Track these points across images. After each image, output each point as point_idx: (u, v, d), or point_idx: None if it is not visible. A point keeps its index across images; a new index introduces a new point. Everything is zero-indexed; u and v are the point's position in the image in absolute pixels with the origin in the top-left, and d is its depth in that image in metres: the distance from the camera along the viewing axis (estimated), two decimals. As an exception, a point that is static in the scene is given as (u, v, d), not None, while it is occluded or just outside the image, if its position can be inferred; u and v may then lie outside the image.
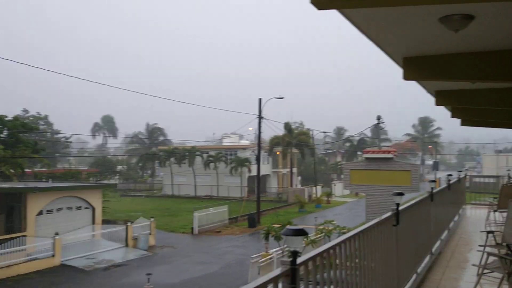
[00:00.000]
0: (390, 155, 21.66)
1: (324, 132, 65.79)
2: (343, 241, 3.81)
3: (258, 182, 36.78)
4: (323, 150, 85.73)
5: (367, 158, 22.15)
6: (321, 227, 22.06)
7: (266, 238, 18.36)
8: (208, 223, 32.00)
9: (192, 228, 31.17)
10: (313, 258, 3.23)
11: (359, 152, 67.65)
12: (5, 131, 36.70)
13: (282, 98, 36.47)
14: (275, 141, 53.44)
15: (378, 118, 36.06)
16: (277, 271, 2.82)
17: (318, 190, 54.22)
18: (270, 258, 17.77)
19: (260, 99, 34.64)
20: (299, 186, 58.99)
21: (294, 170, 60.58)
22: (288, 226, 2.85)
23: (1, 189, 24.85)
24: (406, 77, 6.02)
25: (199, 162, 54.16)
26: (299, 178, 65.10)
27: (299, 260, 2.92)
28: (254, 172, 44.99)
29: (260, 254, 18.83)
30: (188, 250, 26.31)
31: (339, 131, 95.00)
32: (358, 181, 21.85)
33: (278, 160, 59.28)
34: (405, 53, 5.73)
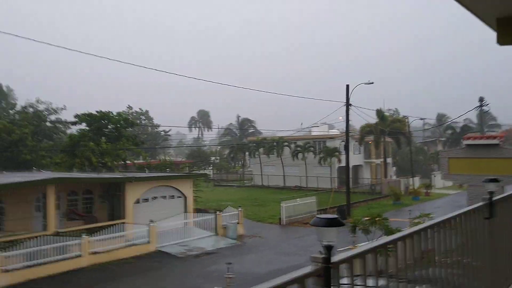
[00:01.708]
0: (496, 141, 19.33)
1: (422, 119, 61.72)
2: (406, 236, 3.10)
3: (348, 173, 35.47)
4: (421, 139, 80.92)
5: (468, 145, 20.02)
6: (416, 220, 20.61)
7: (353, 231, 17.47)
8: (296, 214, 31.60)
9: (279, 219, 31.03)
10: (360, 256, 2.60)
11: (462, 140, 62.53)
12: (109, 126, 39.46)
13: (372, 83, 34.58)
14: (367, 130, 51.27)
15: (481, 100, 32.58)
16: (305, 269, 2.28)
17: (415, 182, 51.18)
18: (358, 252, 16.86)
19: (347, 86, 33.20)
20: (394, 177, 56.19)
21: (389, 160, 57.82)
22: (319, 215, 2.28)
23: (104, 179, 26.59)
24: (501, 41, 4.98)
25: (288, 152, 53.93)
26: (394, 168, 62.03)
27: (336, 258, 2.34)
28: (344, 163, 43.69)
29: (347, 247, 18.01)
30: (275, 241, 26.18)
31: (440, 118, 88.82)
32: (458, 170, 19.77)
33: (370, 149, 56.93)
34: (500, 11, 4.72)
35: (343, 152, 42.13)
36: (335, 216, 2.27)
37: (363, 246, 2.85)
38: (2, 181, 21.67)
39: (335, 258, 2.34)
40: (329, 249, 2.24)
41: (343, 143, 44.58)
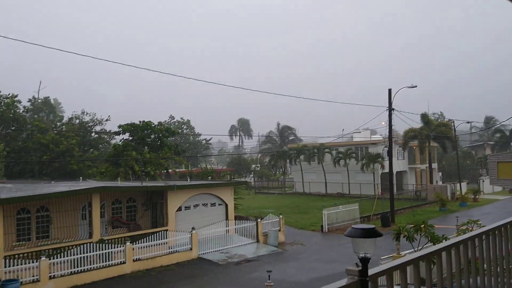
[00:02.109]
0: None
1: (469, 122, 59.31)
2: (451, 246, 2.87)
3: (391, 179, 34.57)
4: (469, 143, 77.98)
5: (519, 149, 19.07)
6: (464, 227, 19.74)
7: (397, 238, 16.91)
8: (338, 221, 31.05)
9: (321, 226, 30.59)
10: (400, 267, 2.40)
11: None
12: (152, 136, 40.28)
13: (415, 87, 33.58)
14: (411, 135, 49.85)
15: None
16: (340, 282, 2.11)
17: (462, 187, 49.28)
18: (402, 260, 16.27)
19: (389, 90, 32.44)
20: (440, 183, 54.33)
21: (434, 165, 55.96)
22: (354, 225, 2.11)
23: (147, 187, 27.06)
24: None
25: (329, 159, 53.25)
26: (440, 174, 59.98)
27: (373, 270, 2.16)
28: (387, 169, 42.64)
29: (391, 255, 17.44)
30: (317, 248, 25.79)
31: (488, 121, 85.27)
32: (508, 175, 18.82)
33: (415, 155, 55.35)
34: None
35: (386, 157, 41.17)
36: (371, 226, 2.10)
37: (407, 255, 2.65)
38: (49, 190, 22.50)
39: (372, 271, 2.16)
40: (365, 261, 2.07)
41: (386, 148, 43.55)
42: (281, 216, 28.17)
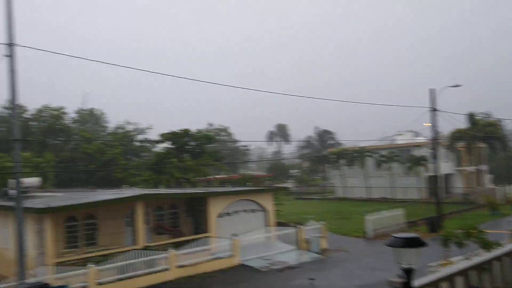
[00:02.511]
0: None
1: (518, 120, 56.42)
2: (503, 254, 2.64)
3: (436, 182, 33.40)
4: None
5: None
6: (518, 232, 18.77)
7: (445, 244, 16.23)
8: (383, 227, 30.20)
9: (365, 232, 29.87)
10: (447, 279, 2.20)
11: None
12: (192, 143, 40.93)
13: (459, 86, 32.33)
14: (457, 136, 48.06)
15: None
16: (382, 297, 1.97)
17: (515, 190, 47.02)
18: (451, 268, 15.59)
19: (432, 90, 31.38)
20: (490, 186, 52.03)
21: (483, 167, 53.70)
22: (395, 234, 1.96)
23: (188, 194, 27.42)
24: None
25: (371, 163, 52.16)
26: (490, 176, 57.46)
27: (419, 281, 1.99)
28: (433, 171, 41.24)
29: (440, 263, 16.75)
30: (361, 255, 25.18)
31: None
32: None
33: (462, 157, 53.31)
34: None
35: (431, 160, 39.88)
36: (414, 234, 1.95)
37: (456, 264, 2.46)
38: (96, 198, 23.21)
39: (418, 282, 2.00)
40: (409, 273, 1.92)
41: (432, 150, 42.19)
42: (323, 222, 27.74)
